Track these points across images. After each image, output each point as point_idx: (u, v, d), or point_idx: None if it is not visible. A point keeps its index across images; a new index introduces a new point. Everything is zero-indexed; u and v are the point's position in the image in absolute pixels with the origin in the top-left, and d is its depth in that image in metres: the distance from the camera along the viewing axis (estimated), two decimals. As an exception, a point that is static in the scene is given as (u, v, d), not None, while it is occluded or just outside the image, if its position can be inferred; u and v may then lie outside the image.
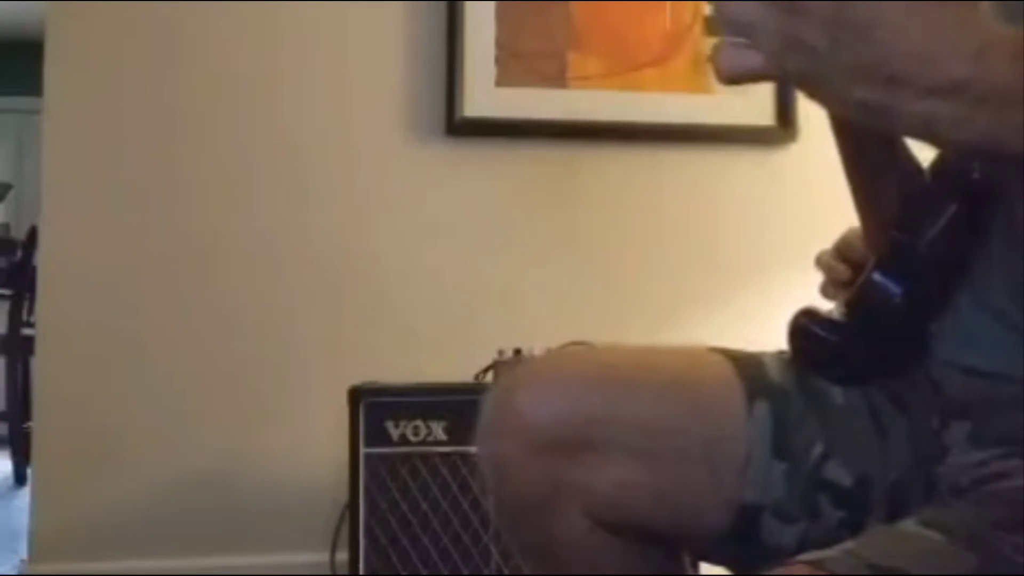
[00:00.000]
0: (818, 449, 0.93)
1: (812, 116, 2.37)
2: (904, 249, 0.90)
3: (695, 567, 1.18)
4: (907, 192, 0.95)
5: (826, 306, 1.00)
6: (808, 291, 1.07)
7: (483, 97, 2.34)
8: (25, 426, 3.89)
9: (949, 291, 0.90)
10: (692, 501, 0.93)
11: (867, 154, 0.98)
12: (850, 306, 0.94)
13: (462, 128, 2.35)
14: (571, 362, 0.97)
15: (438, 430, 1.92)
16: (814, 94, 0.61)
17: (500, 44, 2.36)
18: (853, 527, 0.91)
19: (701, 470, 0.92)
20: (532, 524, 0.95)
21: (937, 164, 0.90)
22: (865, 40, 0.58)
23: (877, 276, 0.92)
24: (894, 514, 0.91)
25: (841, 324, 0.94)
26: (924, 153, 0.95)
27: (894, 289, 0.90)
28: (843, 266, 1.02)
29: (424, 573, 1.90)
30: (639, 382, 0.95)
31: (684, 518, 0.94)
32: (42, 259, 2.31)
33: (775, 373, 0.97)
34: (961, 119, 0.58)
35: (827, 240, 1.10)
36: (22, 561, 2.26)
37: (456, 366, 2.06)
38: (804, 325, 0.95)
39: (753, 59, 0.61)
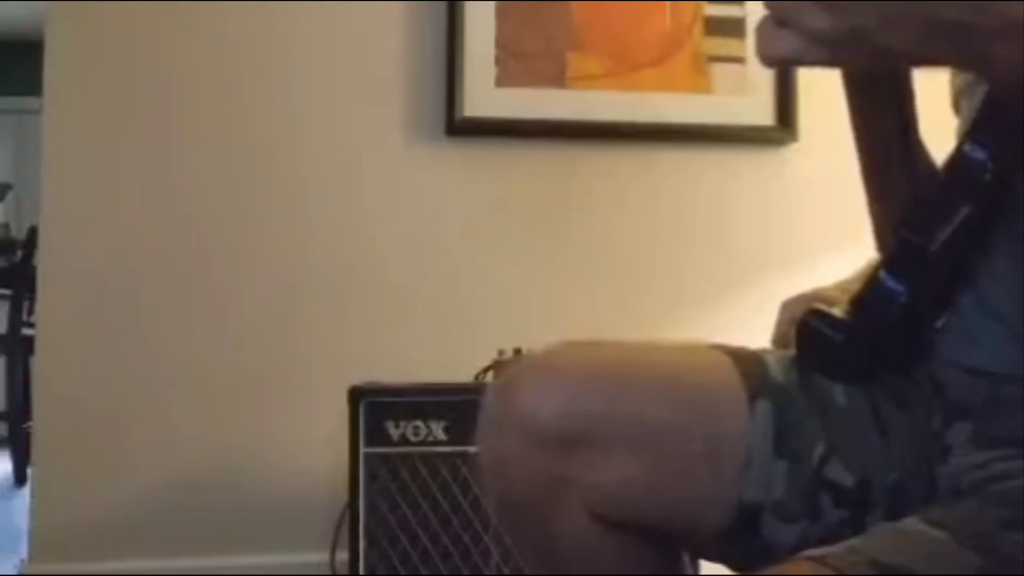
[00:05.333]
0: (820, 449, 0.93)
1: (812, 116, 2.38)
2: (913, 250, 0.90)
3: (695, 566, 1.18)
4: (919, 191, 0.94)
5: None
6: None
7: (483, 97, 2.34)
8: (25, 426, 3.89)
9: (954, 292, 0.90)
10: (692, 498, 0.93)
11: (883, 142, 0.98)
12: (856, 305, 0.94)
13: (462, 128, 2.34)
14: (572, 357, 0.96)
15: (438, 430, 1.92)
16: (873, 65, 0.61)
17: (500, 44, 2.36)
18: (854, 527, 0.91)
19: (702, 468, 0.92)
20: (532, 519, 0.95)
21: (951, 162, 0.90)
22: (927, 7, 0.58)
23: (884, 276, 0.91)
24: (894, 514, 0.90)
25: (846, 323, 0.94)
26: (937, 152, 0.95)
27: (900, 289, 0.90)
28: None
29: (424, 573, 1.90)
30: (640, 378, 0.95)
31: (684, 515, 0.93)
32: (42, 259, 2.31)
33: (777, 372, 0.96)
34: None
35: (826, 240, 1.10)
36: (22, 561, 2.26)
37: (456, 366, 2.06)
38: (810, 324, 0.95)
39: (790, 45, 0.60)
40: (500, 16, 2.36)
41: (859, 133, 0.98)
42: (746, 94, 2.43)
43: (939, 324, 0.91)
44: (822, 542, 0.80)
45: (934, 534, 0.76)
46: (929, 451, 0.92)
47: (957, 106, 0.98)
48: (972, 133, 0.87)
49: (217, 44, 2.33)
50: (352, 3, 2.35)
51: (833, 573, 0.70)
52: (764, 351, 1.00)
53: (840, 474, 0.92)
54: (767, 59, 0.62)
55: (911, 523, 0.79)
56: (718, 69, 2.42)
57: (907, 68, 0.91)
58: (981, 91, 0.88)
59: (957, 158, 0.88)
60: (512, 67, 2.36)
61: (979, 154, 0.86)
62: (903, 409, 0.95)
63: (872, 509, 0.92)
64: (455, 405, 1.92)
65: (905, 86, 0.95)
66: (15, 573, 2.31)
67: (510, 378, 0.98)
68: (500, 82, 2.36)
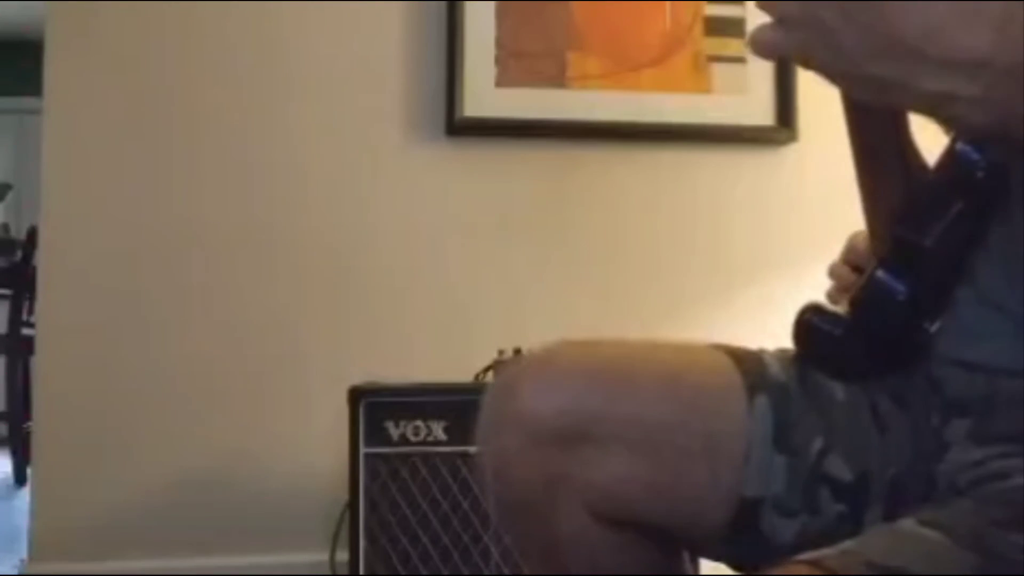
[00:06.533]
0: (818, 443, 0.93)
1: (812, 116, 2.38)
2: (908, 246, 0.90)
3: (695, 565, 1.18)
4: (913, 188, 0.95)
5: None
6: (807, 290, 1.07)
7: (483, 97, 2.35)
8: (25, 426, 3.89)
9: (951, 288, 0.90)
10: (692, 495, 0.93)
11: (876, 141, 0.98)
12: (854, 302, 0.94)
13: (462, 128, 2.35)
14: (572, 355, 0.96)
15: (438, 430, 1.92)
16: (831, 73, 0.61)
17: (500, 44, 2.36)
18: (852, 522, 0.91)
19: (701, 464, 0.92)
20: (531, 518, 0.95)
21: (943, 160, 0.90)
22: (878, 13, 0.58)
23: (880, 273, 0.92)
24: (893, 510, 0.91)
25: (845, 320, 0.94)
26: (931, 152, 0.95)
27: (897, 287, 0.90)
28: (849, 270, 1.03)
29: (424, 573, 1.90)
30: (639, 376, 0.95)
31: (684, 512, 0.93)
32: (42, 259, 2.31)
33: (775, 369, 0.97)
34: (978, 98, 0.57)
35: (826, 240, 1.11)
36: (22, 561, 2.26)
37: (456, 366, 2.06)
38: (809, 320, 0.96)
39: (777, 35, 0.61)
40: (500, 16, 2.36)
41: (852, 124, 0.99)
42: (746, 94, 2.43)
43: (935, 328, 0.92)
44: (821, 537, 0.80)
45: (930, 535, 0.76)
46: (927, 448, 0.92)
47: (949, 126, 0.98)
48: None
49: (217, 44, 2.33)
50: (352, 3, 2.35)
51: (829, 575, 0.70)
52: (763, 351, 1.00)
53: (839, 468, 0.93)
54: (752, 47, 0.63)
55: (906, 524, 0.79)
56: (718, 69, 2.43)
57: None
58: None
59: (949, 156, 0.89)
60: (512, 67, 2.36)
61: (971, 151, 0.86)
62: (901, 406, 0.96)
63: (871, 504, 0.92)
64: (455, 405, 1.92)
65: None
66: (15, 573, 2.31)
67: (510, 377, 0.98)
68: (500, 82, 2.36)
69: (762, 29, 0.62)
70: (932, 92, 0.58)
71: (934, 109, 0.61)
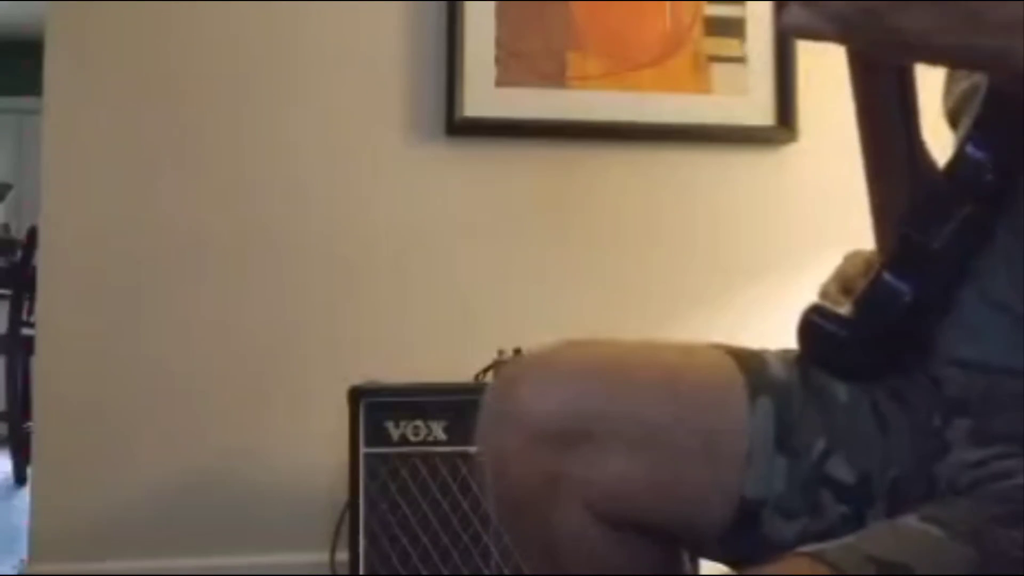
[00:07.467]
0: (820, 445, 0.93)
1: (812, 116, 2.38)
2: (916, 248, 0.90)
3: (695, 565, 1.18)
4: (922, 188, 0.94)
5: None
6: (807, 291, 1.07)
7: (483, 97, 2.34)
8: (25, 426, 3.89)
9: (955, 289, 0.90)
10: (692, 495, 0.93)
11: (886, 134, 0.98)
12: (859, 303, 0.94)
13: (462, 128, 2.35)
14: (573, 354, 0.97)
15: (438, 430, 1.92)
16: (886, 50, 0.62)
17: (500, 44, 2.36)
18: (854, 523, 0.91)
19: (702, 465, 0.92)
20: (531, 517, 0.95)
21: (952, 162, 0.90)
22: None
23: (887, 275, 0.92)
24: (894, 511, 0.90)
25: (850, 321, 0.94)
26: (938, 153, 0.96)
27: (903, 288, 0.90)
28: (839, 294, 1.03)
29: (424, 573, 1.90)
30: (641, 375, 0.95)
31: (684, 512, 0.93)
32: (42, 259, 2.31)
33: (777, 369, 0.96)
34: None
35: (826, 239, 1.11)
36: (22, 561, 2.26)
37: (456, 366, 2.06)
38: (813, 320, 0.96)
39: (807, 17, 0.61)
40: (500, 16, 2.36)
41: (861, 120, 0.98)
42: (746, 94, 2.43)
43: (940, 325, 0.92)
44: (823, 539, 0.81)
45: (930, 530, 0.76)
46: (928, 448, 0.92)
47: (954, 122, 0.98)
48: (973, 133, 0.87)
49: (217, 44, 2.33)
50: (352, 3, 2.35)
51: (830, 571, 0.70)
52: (765, 351, 1.00)
53: (841, 470, 0.93)
54: (784, 29, 0.63)
55: (908, 520, 0.79)
56: (718, 69, 2.43)
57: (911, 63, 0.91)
58: (979, 98, 0.88)
59: (958, 158, 0.89)
60: (512, 67, 2.36)
61: (980, 154, 0.86)
62: (903, 406, 0.96)
63: (873, 506, 0.92)
64: (455, 405, 1.92)
65: (908, 79, 0.95)
66: (15, 573, 2.31)
67: (509, 376, 0.98)
68: (500, 82, 2.36)
69: (794, 10, 0.62)
70: (990, 50, 0.59)
71: (989, 68, 0.62)
